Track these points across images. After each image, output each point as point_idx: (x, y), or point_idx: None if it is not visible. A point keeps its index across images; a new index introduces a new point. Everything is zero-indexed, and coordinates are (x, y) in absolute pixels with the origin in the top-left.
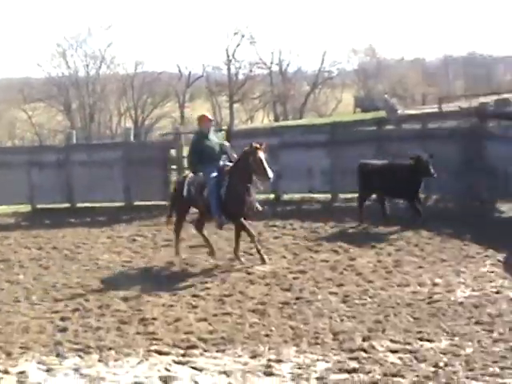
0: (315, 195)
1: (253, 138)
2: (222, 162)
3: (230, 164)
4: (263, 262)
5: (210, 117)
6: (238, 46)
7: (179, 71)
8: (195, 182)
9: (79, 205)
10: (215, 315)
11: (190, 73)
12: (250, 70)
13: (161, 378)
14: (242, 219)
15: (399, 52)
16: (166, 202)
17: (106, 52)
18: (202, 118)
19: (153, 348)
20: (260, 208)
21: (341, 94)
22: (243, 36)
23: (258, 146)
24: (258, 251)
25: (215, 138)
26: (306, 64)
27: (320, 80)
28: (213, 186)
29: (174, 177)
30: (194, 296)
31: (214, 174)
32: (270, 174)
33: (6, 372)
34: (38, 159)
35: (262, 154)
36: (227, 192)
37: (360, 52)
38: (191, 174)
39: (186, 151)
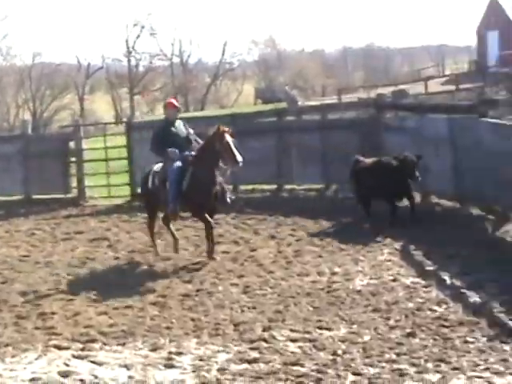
0: None
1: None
2: (187, 152)
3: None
4: (212, 258)
5: (176, 103)
6: (137, 37)
7: (78, 62)
8: (160, 173)
9: None
10: (116, 308)
11: (89, 64)
12: (151, 62)
13: (60, 373)
14: (206, 213)
15: (299, 43)
16: (64, 195)
17: (1, 43)
18: (167, 105)
19: (52, 343)
20: (230, 198)
21: (242, 86)
22: (143, 27)
23: (226, 129)
24: (209, 250)
25: (182, 127)
26: (207, 55)
27: (221, 71)
28: (174, 176)
29: (73, 169)
30: (94, 290)
31: (177, 164)
32: (240, 158)
33: None
34: None
35: (229, 138)
36: (190, 182)
37: (260, 43)
38: (158, 165)
39: (85, 144)
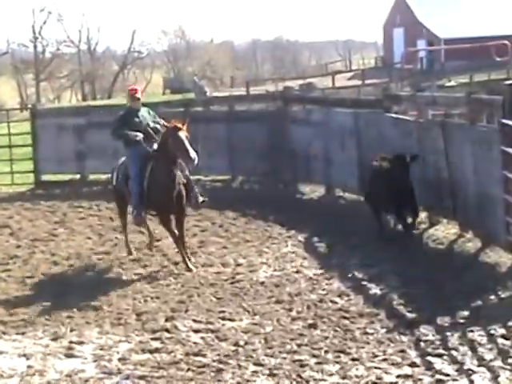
0: None
1: (60, 116)
2: (148, 147)
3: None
4: (188, 270)
5: (139, 90)
6: (44, 23)
7: None
8: (121, 168)
9: None
10: (16, 297)
11: None
12: (58, 49)
13: None
14: (171, 215)
15: (209, 34)
16: None
17: None
18: (129, 92)
19: None
20: (201, 199)
21: (150, 75)
22: (50, 13)
23: (179, 125)
24: (183, 257)
25: (148, 116)
26: (115, 43)
27: (129, 60)
28: (134, 176)
29: None
30: None
31: (137, 160)
32: (193, 155)
33: None
34: None
35: (182, 134)
36: (149, 181)
37: (170, 33)
38: (121, 159)
39: None
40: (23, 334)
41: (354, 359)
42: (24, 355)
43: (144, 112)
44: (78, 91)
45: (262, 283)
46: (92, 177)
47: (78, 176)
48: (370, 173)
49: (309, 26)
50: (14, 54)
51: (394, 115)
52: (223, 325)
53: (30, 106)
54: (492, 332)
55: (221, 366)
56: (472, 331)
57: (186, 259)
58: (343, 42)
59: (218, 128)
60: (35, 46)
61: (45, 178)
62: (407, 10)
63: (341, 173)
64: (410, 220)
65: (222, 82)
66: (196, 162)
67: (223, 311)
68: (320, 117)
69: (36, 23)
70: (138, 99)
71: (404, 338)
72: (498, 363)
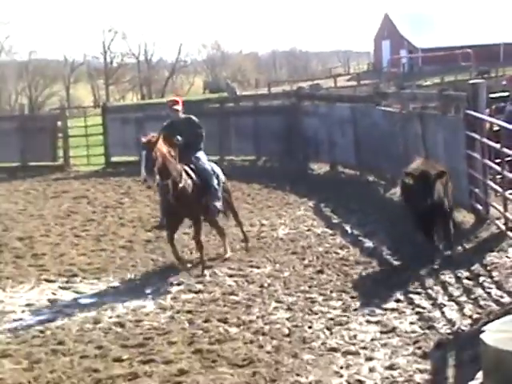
0: None
1: (124, 112)
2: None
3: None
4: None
5: (179, 101)
6: (112, 40)
7: (65, 59)
8: None
9: None
10: (92, 251)
11: (73, 60)
12: (122, 59)
13: (49, 300)
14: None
15: (238, 46)
16: (53, 163)
17: (4, 43)
18: (168, 104)
19: (42, 277)
20: (218, 207)
21: (193, 79)
22: (116, 32)
23: (144, 139)
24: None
25: (184, 127)
26: (166, 54)
27: (177, 68)
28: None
29: (60, 143)
30: (76, 236)
31: None
32: (142, 174)
33: None
34: None
35: (144, 151)
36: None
37: (208, 46)
38: None
39: (70, 122)
40: (98, 278)
41: (352, 297)
42: (99, 295)
43: (183, 123)
44: (138, 92)
45: (281, 239)
46: None
47: (138, 158)
48: (401, 189)
49: (317, 38)
50: (89, 64)
51: (382, 108)
52: (251, 271)
53: (101, 104)
54: (459, 275)
55: (249, 302)
56: (443, 274)
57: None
58: (343, 52)
59: (245, 119)
60: (105, 58)
61: (113, 159)
62: (392, 26)
63: (342, 153)
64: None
65: (248, 83)
66: (143, 180)
67: (251, 260)
68: (325, 110)
69: (106, 40)
70: (177, 111)
71: (391, 281)
72: (464, 298)
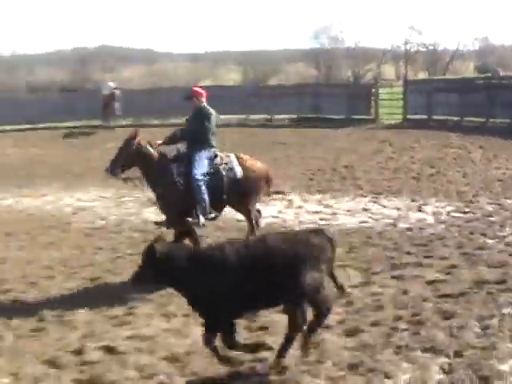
0: None
1: (418, 84)
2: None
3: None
4: None
5: (197, 91)
6: (410, 35)
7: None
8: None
9: None
10: (392, 178)
11: (384, 48)
12: (417, 48)
13: (363, 208)
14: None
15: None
16: (368, 117)
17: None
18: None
19: (358, 193)
20: (202, 221)
21: (468, 63)
22: (413, 29)
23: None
24: None
25: (192, 118)
26: (447, 44)
27: (456, 55)
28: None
29: (373, 103)
30: (382, 168)
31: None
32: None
33: None
34: None
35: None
36: None
37: (479, 39)
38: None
39: (380, 90)
40: (396, 197)
41: None
42: (396, 208)
43: (194, 113)
44: (426, 72)
45: None
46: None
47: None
48: None
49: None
50: (394, 51)
51: None
52: None
53: (402, 78)
54: None
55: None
56: None
57: None
58: None
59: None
60: (405, 47)
61: (409, 116)
62: None
63: None
64: None
65: (510, 68)
66: (107, 172)
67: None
68: None
69: (407, 34)
70: (194, 101)
71: None
72: None
